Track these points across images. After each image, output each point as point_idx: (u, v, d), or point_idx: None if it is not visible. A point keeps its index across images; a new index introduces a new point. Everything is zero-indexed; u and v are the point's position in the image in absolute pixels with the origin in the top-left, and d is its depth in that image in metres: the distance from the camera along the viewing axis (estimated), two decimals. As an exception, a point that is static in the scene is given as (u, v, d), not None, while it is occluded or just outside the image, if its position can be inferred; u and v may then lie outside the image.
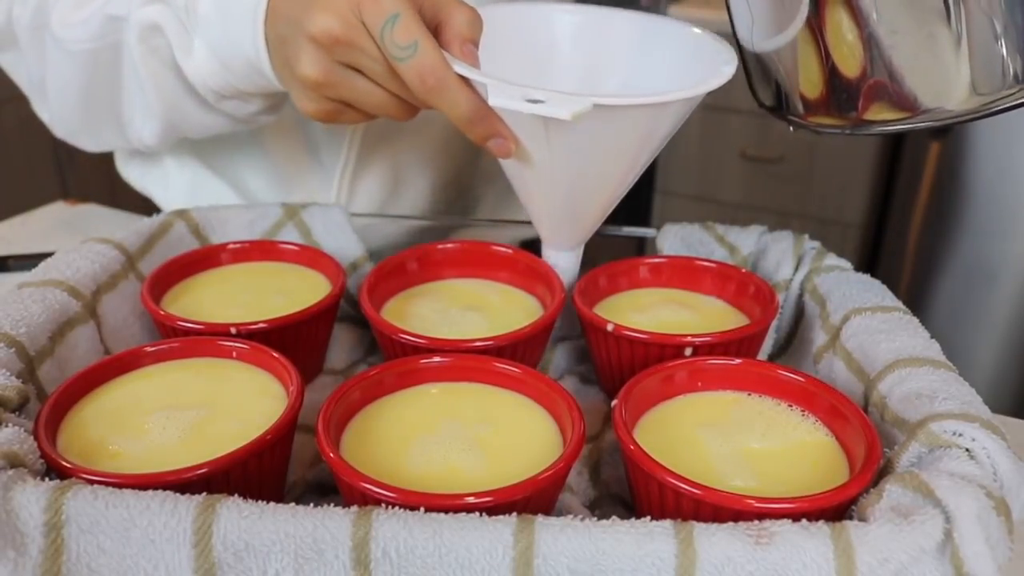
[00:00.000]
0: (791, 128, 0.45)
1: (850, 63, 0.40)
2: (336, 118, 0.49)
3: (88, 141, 0.69)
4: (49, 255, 0.50)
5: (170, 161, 0.74)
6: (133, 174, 0.78)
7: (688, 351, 0.45)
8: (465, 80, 0.43)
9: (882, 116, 0.40)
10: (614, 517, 0.32)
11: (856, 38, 0.39)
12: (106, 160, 0.82)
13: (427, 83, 0.42)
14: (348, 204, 0.71)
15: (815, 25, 0.40)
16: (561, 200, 0.48)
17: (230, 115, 0.59)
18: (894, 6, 0.38)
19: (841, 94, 0.41)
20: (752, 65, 0.46)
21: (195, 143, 0.70)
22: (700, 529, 0.31)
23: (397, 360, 0.43)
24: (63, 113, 0.65)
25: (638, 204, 1.98)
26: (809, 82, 0.42)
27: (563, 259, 0.53)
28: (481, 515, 0.32)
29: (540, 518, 0.32)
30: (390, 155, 0.71)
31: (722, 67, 0.46)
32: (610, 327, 0.47)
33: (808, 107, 0.43)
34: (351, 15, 0.44)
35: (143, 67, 0.58)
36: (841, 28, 0.39)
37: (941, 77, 0.38)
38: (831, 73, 0.41)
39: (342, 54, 0.45)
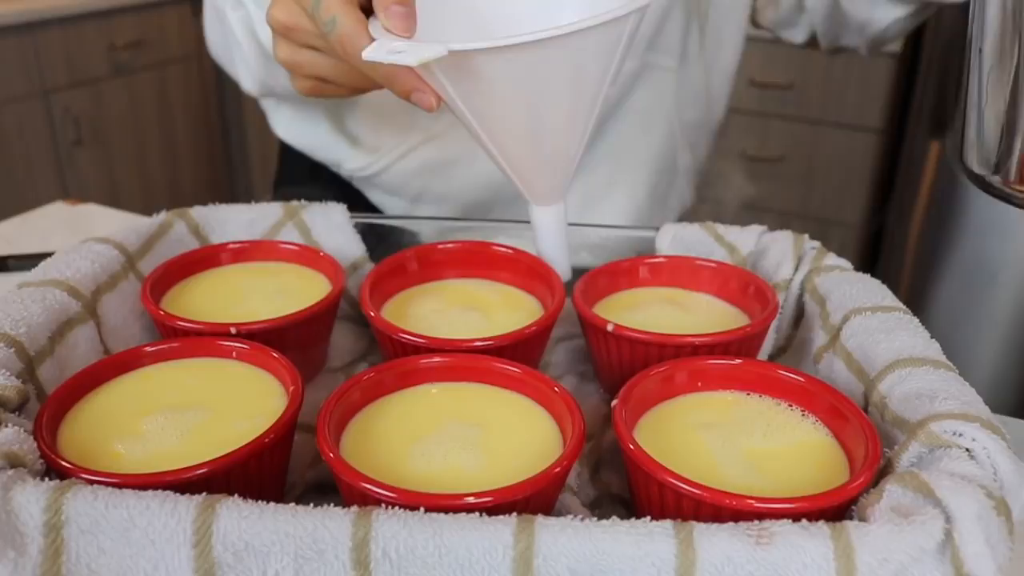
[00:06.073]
0: None
1: None
2: (321, 92, 0.54)
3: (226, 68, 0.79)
4: (49, 255, 0.50)
5: None
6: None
7: (688, 351, 0.45)
8: None
9: None
10: (614, 517, 0.32)
11: None
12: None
13: (347, 50, 0.46)
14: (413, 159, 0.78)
15: None
16: (510, 149, 0.49)
17: None
18: None
19: None
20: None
21: None
22: (700, 529, 0.31)
23: (397, 360, 0.43)
24: (209, 37, 0.77)
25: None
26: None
27: (546, 215, 0.52)
28: (481, 515, 0.32)
29: (540, 518, 0.32)
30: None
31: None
32: (610, 327, 0.46)
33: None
34: (293, 2, 0.49)
35: (237, 31, 0.68)
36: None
37: None
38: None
39: (296, 37, 0.50)
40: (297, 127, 0.81)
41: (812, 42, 0.88)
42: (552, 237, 0.53)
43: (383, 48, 0.43)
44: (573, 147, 0.49)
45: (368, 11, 0.46)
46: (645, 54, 0.77)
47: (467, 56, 0.42)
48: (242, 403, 0.41)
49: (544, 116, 0.47)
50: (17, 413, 0.39)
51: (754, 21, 0.89)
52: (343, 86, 0.53)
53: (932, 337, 0.44)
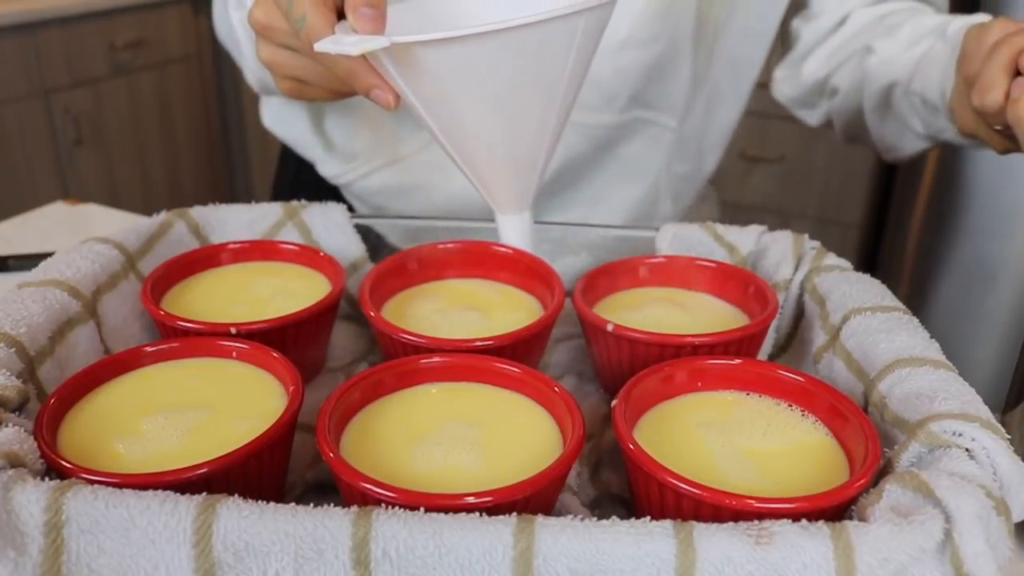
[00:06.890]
0: None
1: None
2: (301, 93, 0.55)
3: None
4: (49, 255, 0.50)
5: None
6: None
7: (688, 351, 0.45)
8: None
9: None
10: (614, 517, 0.32)
11: None
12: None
13: (314, 47, 0.46)
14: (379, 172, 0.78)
15: None
16: (467, 150, 0.49)
17: None
18: None
19: None
20: None
21: None
22: (700, 529, 0.31)
23: (397, 360, 0.44)
24: (218, 25, 0.77)
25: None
26: None
27: (509, 224, 0.53)
28: (481, 515, 0.32)
29: (540, 518, 0.32)
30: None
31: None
32: (610, 327, 0.47)
33: None
34: (272, 3, 0.50)
35: (239, 31, 0.69)
36: None
37: None
38: None
39: (273, 37, 0.52)
40: (281, 119, 0.82)
41: (827, 124, 0.86)
42: (517, 246, 0.53)
43: (331, 40, 0.43)
44: (533, 152, 0.49)
45: (345, 15, 0.47)
46: (638, 110, 0.76)
47: (412, 49, 0.42)
48: (242, 403, 0.41)
49: (496, 115, 0.46)
50: (17, 413, 0.39)
51: (773, 92, 0.87)
52: (320, 88, 0.54)
53: (932, 337, 0.44)
